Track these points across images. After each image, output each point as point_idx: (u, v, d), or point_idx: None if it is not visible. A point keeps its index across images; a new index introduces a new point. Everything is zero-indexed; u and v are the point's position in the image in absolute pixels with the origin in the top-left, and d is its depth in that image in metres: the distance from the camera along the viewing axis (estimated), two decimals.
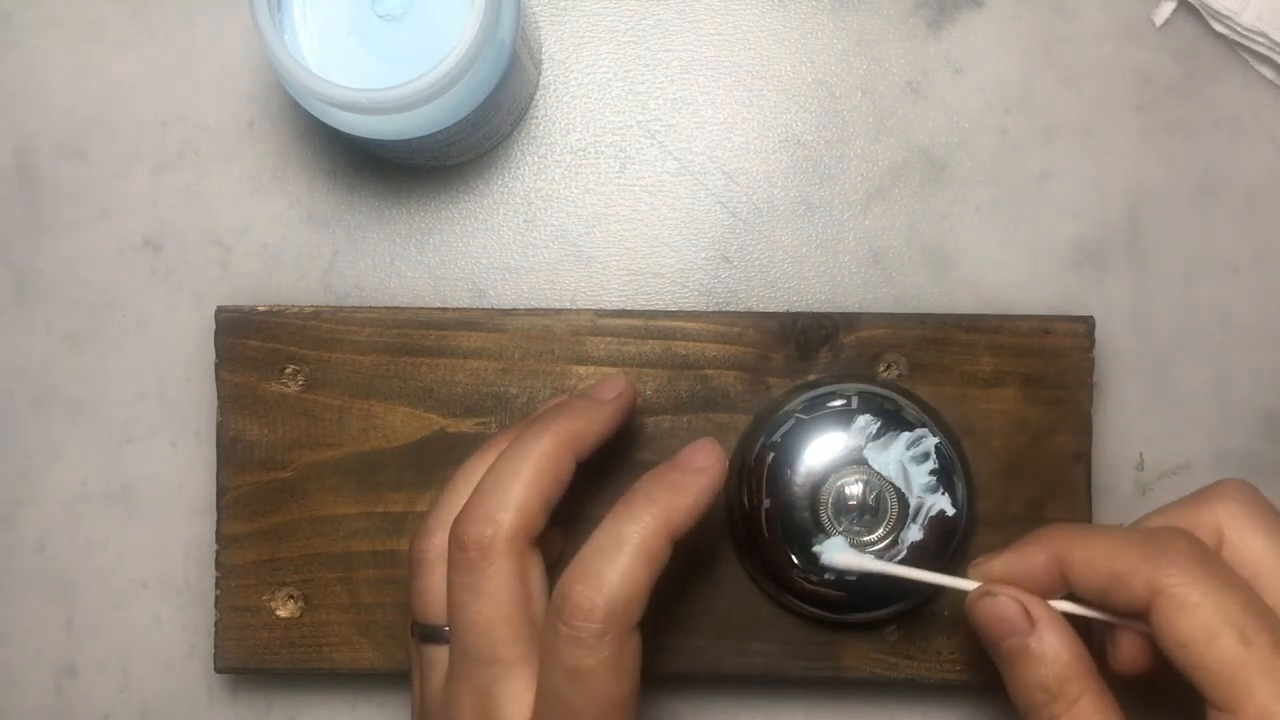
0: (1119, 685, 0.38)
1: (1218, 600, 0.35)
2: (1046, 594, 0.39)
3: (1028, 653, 0.37)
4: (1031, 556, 0.39)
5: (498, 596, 0.38)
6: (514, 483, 0.39)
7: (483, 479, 0.40)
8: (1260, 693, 0.34)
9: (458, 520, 0.39)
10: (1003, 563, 0.39)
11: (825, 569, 0.43)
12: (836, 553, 0.43)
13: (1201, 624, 0.35)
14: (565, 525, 0.45)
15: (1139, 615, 0.37)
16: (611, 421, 0.42)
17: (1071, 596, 0.39)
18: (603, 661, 0.37)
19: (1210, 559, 0.37)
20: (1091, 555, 0.38)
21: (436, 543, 0.41)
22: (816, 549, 0.43)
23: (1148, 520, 0.40)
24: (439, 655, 0.40)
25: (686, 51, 0.50)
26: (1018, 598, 0.38)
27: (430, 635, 0.41)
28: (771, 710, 0.49)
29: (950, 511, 0.44)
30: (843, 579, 0.44)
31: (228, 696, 0.50)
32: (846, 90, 0.50)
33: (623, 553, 0.37)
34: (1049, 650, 0.37)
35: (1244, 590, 0.36)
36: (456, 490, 0.42)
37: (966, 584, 0.40)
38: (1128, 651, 0.39)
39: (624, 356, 0.47)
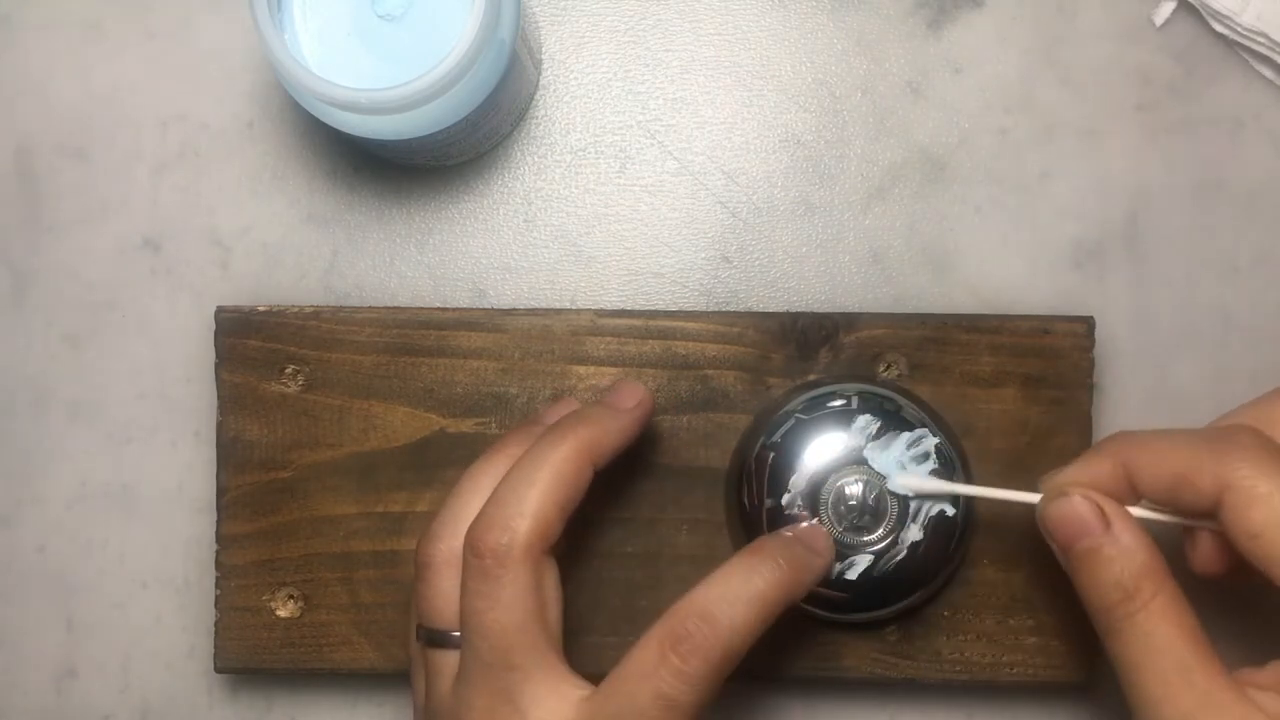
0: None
1: None
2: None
3: (1101, 553, 0.37)
4: (1098, 465, 0.38)
5: (513, 605, 0.38)
6: (530, 491, 0.39)
7: (500, 486, 0.40)
8: None
9: (474, 527, 0.39)
10: (1070, 474, 0.39)
11: (896, 495, 0.44)
12: (901, 478, 0.43)
13: (1273, 514, 0.35)
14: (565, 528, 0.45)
15: (1209, 515, 0.37)
16: (630, 430, 0.42)
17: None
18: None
19: (1271, 448, 0.36)
20: (1158, 458, 0.37)
21: (443, 548, 0.41)
22: (888, 481, 0.44)
23: (1217, 423, 0.40)
24: (446, 660, 0.40)
25: (686, 51, 0.50)
26: (1092, 497, 0.38)
27: (437, 640, 0.41)
28: (772, 710, 0.49)
29: (950, 512, 0.44)
30: (842, 578, 0.44)
31: (228, 696, 0.50)
32: (846, 90, 0.50)
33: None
34: (1124, 550, 0.37)
35: None
36: (462, 495, 0.42)
37: (1032, 496, 0.40)
38: (1205, 552, 0.39)
39: (624, 356, 0.47)
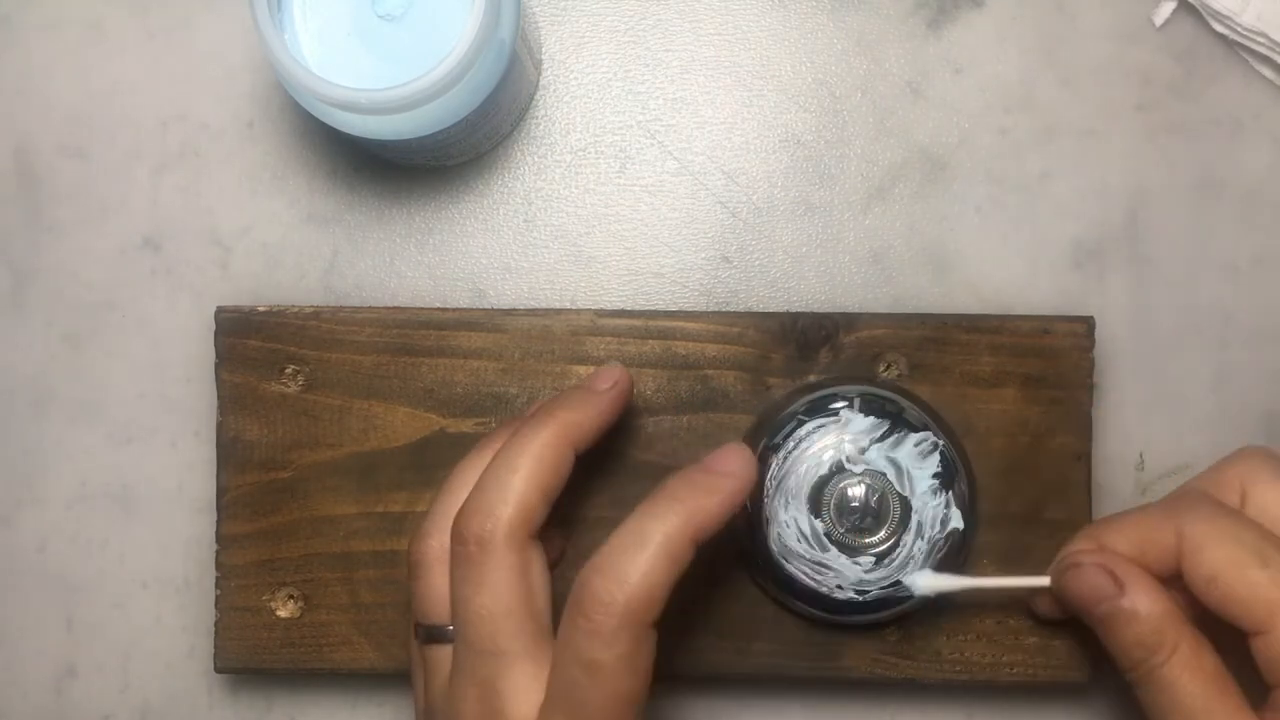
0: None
1: (1236, 534, 0.39)
2: None
3: (1120, 614, 0.39)
4: (1083, 551, 0.42)
5: (499, 590, 0.38)
6: (512, 477, 0.39)
7: (482, 475, 0.40)
8: None
9: (458, 516, 0.39)
10: (1064, 562, 0.42)
11: (906, 592, 0.44)
12: (922, 579, 0.44)
13: (1224, 557, 0.39)
14: (563, 525, 0.45)
15: (1173, 573, 0.40)
16: (608, 411, 0.42)
17: None
18: (618, 656, 0.36)
19: (1225, 507, 0.40)
20: (1123, 527, 0.41)
21: (434, 544, 0.41)
22: (905, 580, 0.44)
23: (1174, 494, 0.43)
24: (443, 655, 0.40)
25: (686, 51, 0.50)
26: (1103, 563, 0.40)
27: (433, 636, 0.41)
28: (771, 710, 0.49)
29: (962, 526, 0.44)
30: (843, 585, 0.44)
31: (228, 696, 0.50)
32: (846, 90, 0.50)
33: (646, 550, 0.37)
34: (1141, 608, 0.39)
35: (1258, 527, 0.39)
36: (453, 490, 0.42)
37: (1042, 580, 0.43)
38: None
39: (624, 356, 0.47)
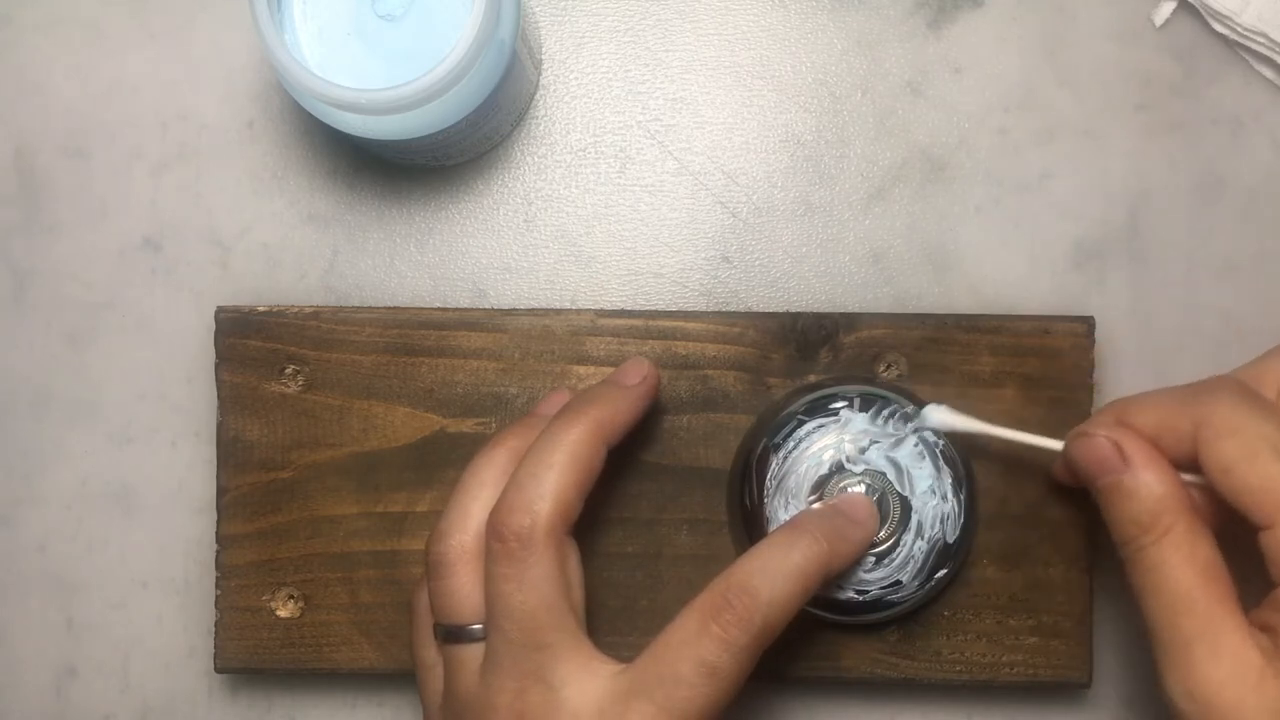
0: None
1: (1255, 425, 0.37)
2: None
3: (1121, 488, 0.38)
4: (1100, 422, 0.41)
5: (540, 585, 0.39)
6: (549, 474, 0.40)
7: (518, 471, 0.40)
8: None
9: (496, 512, 0.40)
10: (1078, 430, 0.41)
11: (925, 432, 0.44)
12: (935, 414, 0.43)
13: (1241, 446, 0.37)
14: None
15: (1191, 458, 0.38)
16: (638, 406, 0.43)
17: None
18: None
19: (1249, 394, 0.39)
20: (1146, 406, 0.40)
21: (454, 544, 0.41)
22: (917, 416, 0.44)
23: (1207, 379, 0.41)
24: (468, 653, 0.40)
25: (686, 51, 0.50)
26: (1111, 437, 0.39)
27: (456, 635, 0.41)
28: (772, 710, 0.49)
29: (951, 539, 0.44)
30: (843, 585, 0.44)
31: (228, 696, 0.50)
32: (846, 90, 0.50)
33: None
34: (1142, 486, 0.38)
35: None
36: (469, 490, 0.42)
37: (1055, 444, 0.42)
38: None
39: (624, 357, 0.47)
